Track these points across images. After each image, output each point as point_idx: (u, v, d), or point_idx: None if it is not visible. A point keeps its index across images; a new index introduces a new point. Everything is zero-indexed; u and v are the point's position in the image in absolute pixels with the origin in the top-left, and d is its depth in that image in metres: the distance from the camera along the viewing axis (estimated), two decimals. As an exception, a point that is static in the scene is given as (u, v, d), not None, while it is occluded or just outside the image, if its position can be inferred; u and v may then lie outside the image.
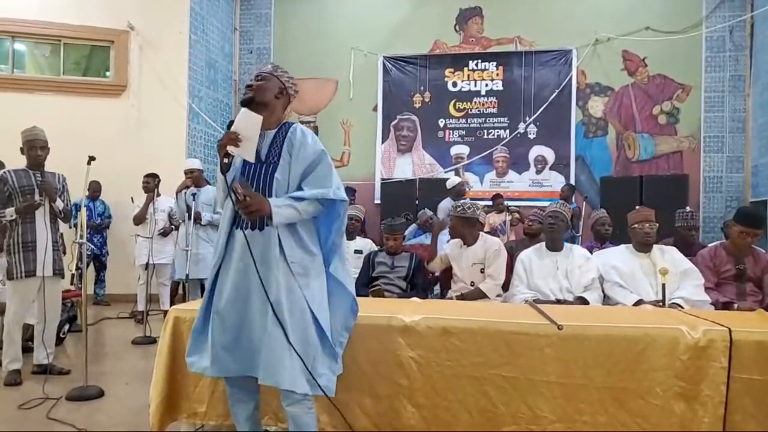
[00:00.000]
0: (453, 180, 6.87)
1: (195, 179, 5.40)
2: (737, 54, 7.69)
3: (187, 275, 5.05)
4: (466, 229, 3.80)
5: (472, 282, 3.74)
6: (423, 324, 2.35)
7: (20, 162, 3.79)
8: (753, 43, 7.54)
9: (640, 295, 3.34)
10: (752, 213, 3.58)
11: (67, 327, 4.78)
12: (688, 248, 3.83)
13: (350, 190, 7.48)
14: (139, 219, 5.82)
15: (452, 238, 3.95)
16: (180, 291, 6.46)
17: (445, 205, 6.38)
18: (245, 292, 2.01)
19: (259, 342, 1.98)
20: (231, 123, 2.02)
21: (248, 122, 2.00)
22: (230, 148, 1.97)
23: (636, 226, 3.54)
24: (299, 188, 2.06)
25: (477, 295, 3.65)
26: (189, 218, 5.11)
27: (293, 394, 1.96)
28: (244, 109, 2.02)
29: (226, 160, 1.99)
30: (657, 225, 3.54)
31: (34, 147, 3.71)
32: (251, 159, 2.04)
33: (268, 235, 2.01)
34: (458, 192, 6.58)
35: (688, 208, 4.23)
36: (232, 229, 2.08)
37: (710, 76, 7.76)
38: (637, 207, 3.75)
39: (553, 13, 8.13)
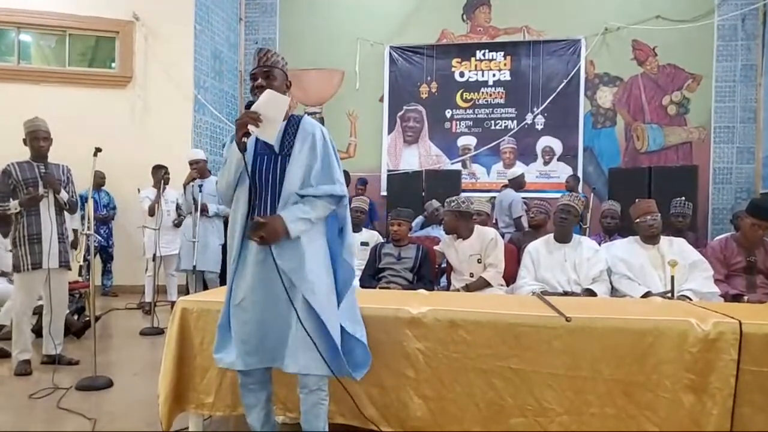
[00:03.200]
0: (515, 171, 6.85)
1: (200, 170, 5.41)
2: (749, 43, 7.58)
3: (194, 267, 5.08)
4: (461, 222, 3.83)
5: (471, 273, 3.79)
6: (430, 316, 2.34)
7: (26, 154, 3.79)
8: (765, 31, 7.42)
9: (648, 287, 3.32)
10: (765, 205, 3.54)
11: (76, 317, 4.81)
12: (678, 234, 4.02)
13: (361, 181, 7.45)
14: (153, 210, 5.84)
15: (446, 233, 3.96)
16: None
17: (513, 197, 6.30)
18: (266, 283, 2.02)
19: (285, 331, 2.00)
20: (250, 104, 2.01)
21: (273, 103, 1.98)
22: (251, 128, 1.96)
23: (639, 220, 3.51)
24: (308, 181, 2.07)
25: (482, 284, 3.70)
26: (195, 210, 5.13)
27: (309, 382, 2.01)
28: (268, 90, 2.01)
29: (245, 139, 1.99)
30: (659, 215, 3.51)
31: (37, 138, 3.71)
32: (272, 141, 2.05)
33: None
34: (520, 183, 6.59)
35: (683, 198, 4.38)
36: (248, 222, 2.07)
37: (721, 65, 7.66)
38: (636, 200, 3.72)
39: (561, 2, 8.03)
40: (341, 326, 2.09)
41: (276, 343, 2.03)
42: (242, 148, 1.99)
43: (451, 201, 3.88)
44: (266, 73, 2.09)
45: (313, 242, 2.07)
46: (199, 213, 5.18)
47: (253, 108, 1.98)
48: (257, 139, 2.10)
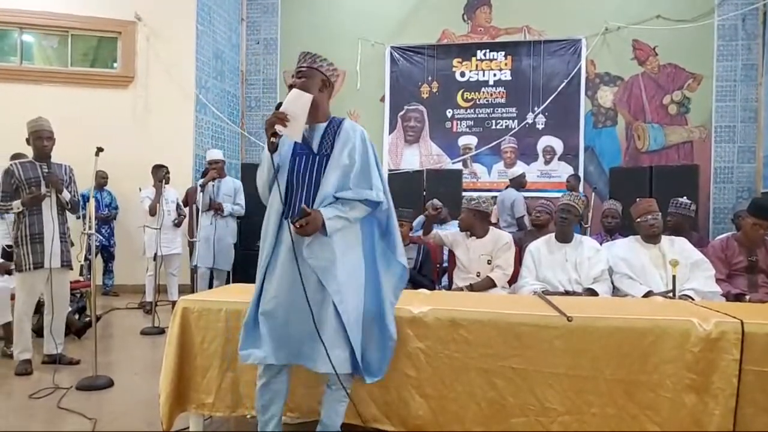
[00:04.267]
0: (515, 171, 6.85)
1: (218, 170, 5.48)
2: (749, 42, 7.56)
3: (195, 265, 5.12)
4: (477, 222, 3.83)
5: (478, 273, 3.78)
6: (431, 315, 2.34)
7: (29, 153, 3.80)
8: (766, 31, 7.41)
9: (649, 286, 3.32)
10: (766, 205, 3.53)
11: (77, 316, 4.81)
12: (680, 233, 3.96)
13: None
14: (154, 209, 5.85)
15: (462, 230, 3.96)
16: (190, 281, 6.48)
17: (516, 197, 6.33)
18: (296, 282, 2.01)
19: (310, 330, 2.00)
20: (279, 104, 2.02)
21: (298, 102, 2.00)
22: (278, 128, 1.97)
23: (640, 219, 3.51)
24: (345, 183, 2.08)
25: (487, 284, 3.71)
26: (205, 210, 5.19)
27: (333, 379, 2.05)
28: (294, 90, 2.02)
29: (273, 140, 2.00)
30: (660, 214, 3.51)
31: (40, 138, 3.72)
32: (298, 139, 2.06)
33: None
34: (521, 183, 6.58)
35: (683, 198, 4.33)
36: (282, 221, 2.07)
37: (722, 65, 7.64)
38: (637, 200, 3.71)
39: (562, 2, 8.02)
40: (373, 329, 2.14)
41: (299, 341, 2.04)
42: (272, 149, 2.00)
43: (471, 199, 3.91)
44: (300, 74, 2.12)
45: (349, 249, 2.08)
46: (201, 213, 5.21)
47: (282, 108, 1.99)
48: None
